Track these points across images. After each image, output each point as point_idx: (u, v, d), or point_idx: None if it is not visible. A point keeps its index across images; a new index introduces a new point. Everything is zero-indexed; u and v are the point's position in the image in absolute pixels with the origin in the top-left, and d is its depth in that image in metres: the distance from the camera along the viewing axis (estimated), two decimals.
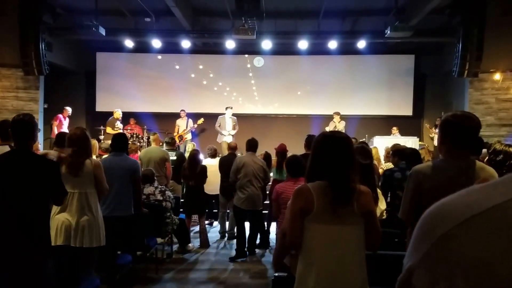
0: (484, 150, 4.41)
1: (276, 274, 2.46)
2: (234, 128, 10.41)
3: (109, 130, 10.00)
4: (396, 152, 4.87)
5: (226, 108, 10.54)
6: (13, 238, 2.56)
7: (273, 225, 6.44)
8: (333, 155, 1.97)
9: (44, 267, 2.64)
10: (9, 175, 2.59)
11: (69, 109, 10.38)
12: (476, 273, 0.34)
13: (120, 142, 4.36)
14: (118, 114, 10.29)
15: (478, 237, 0.35)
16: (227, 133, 10.30)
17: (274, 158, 6.50)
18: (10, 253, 2.55)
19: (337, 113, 10.50)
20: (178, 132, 10.83)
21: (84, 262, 3.33)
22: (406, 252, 0.43)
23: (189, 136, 10.99)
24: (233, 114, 10.62)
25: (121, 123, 10.30)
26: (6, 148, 3.57)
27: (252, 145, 5.84)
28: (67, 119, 10.39)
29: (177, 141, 10.20)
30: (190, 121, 10.98)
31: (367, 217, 1.95)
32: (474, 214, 0.36)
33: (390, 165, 5.56)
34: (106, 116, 11.68)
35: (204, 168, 6.26)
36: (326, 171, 1.96)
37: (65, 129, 9.85)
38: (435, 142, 10.11)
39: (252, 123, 11.68)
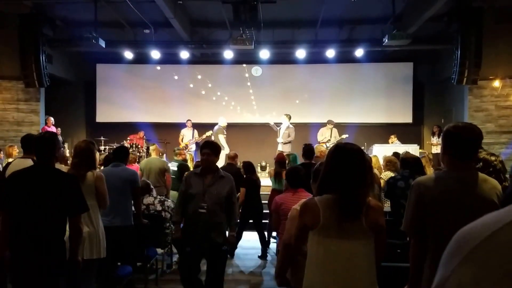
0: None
1: None
2: (285, 137, 9.65)
3: (217, 137, 10.14)
4: (400, 161, 4.85)
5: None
6: (29, 253, 2.58)
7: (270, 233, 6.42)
8: (343, 167, 1.93)
9: (57, 283, 2.65)
10: (29, 189, 2.64)
11: (51, 118, 10.30)
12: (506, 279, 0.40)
13: (120, 153, 4.38)
14: (224, 123, 10.36)
15: (501, 248, 0.42)
16: (280, 141, 9.83)
17: (272, 167, 6.47)
18: (26, 267, 2.57)
19: (331, 122, 10.46)
20: (182, 141, 10.85)
21: (84, 274, 3.31)
22: (437, 271, 0.50)
23: (193, 147, 10.98)
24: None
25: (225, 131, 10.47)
26: (29, 161, 3.58)
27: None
28: (53, 128, 10.30)
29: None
30: (196, 131, 11.00)
31: (376, 232, 1.92)
32: (495, 230, 0.43)
33: (389, 173, 5.54)
34: (106, 127, 11.75)
35: None
36: (336, 184, 1.93)
37: None
38: (433, 150, 10.11)
39: (251, 132, 11.71)
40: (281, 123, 9.93)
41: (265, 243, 6.15)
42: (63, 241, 2.73)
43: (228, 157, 6.70)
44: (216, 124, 10.33)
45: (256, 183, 6.17)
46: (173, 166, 6.70)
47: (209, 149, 3.77)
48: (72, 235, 2.74)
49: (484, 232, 0.43)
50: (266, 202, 6.87)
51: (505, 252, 0.41)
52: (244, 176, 6.19)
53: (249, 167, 6.22)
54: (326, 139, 10.17)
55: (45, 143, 2.77)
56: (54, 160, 2.83)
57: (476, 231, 0.45)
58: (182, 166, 6.71)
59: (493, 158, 3.99)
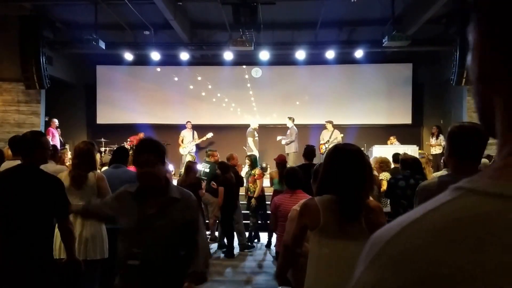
0: (485, 160, 4.39)
1: None
2: (288, 137, 10.06)
3: (250, 140, 10.21)
4: (400, 162, 4.86)
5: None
6: (15, 254, 2.57)
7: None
8: (342, 168, 1.92)
9: (48, 283, 2.65)
10: (13, 190, 2.62)
11: (56, 121, 10.34)
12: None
13: (120, 155, 4.39)
14: (255, 125, 10.44)
15: (395, 254, 0.41)
16: (283, 142, 10.18)
17: (274, 169, 6.52)
18: (14, 269, 2.56)
19: (330, 122, 10.52)
20: (182, 143, 10.90)
21: (88, 275, 3.33)
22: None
23: (194, 148, 11.01)
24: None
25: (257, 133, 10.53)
26: (17, 162, 3.59)
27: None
28: (58, 130, 10.36)
29: (182, 151, 10.30)
30: (195, 133, 11.04)
31: None
32: (394, 234, 0.42)
33: (387, 174, 5.56)
34: (107, 129, 11.77)
35: (197, 179, 6.26)
36: (335, 185, 1.93)
37: (57, 140, 9.89)
38: (432, 151, 10.11)
39: None
40: (284, 124, 10.24)
41: (231, 242, 6.28)
42: (51, 242, 2.73)
43: (226, 159, 6.79)
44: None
45: (231, 181, 6.26)
46: (204, 168, 6.67)
47: (148, 152, 2.14)
48: (63, 237, 2.73)
49: (386, 236, 0.43)
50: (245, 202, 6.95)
51: (398, 259, 0.40)
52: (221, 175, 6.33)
53: (223, 166, 6.33)
54: (324, 141, 10.23)
55: (27, 143, 2.73)
56: (38, 160, 2.77)
57: (383, 234, 0.44)
58: (218, 166, 6.50)
59: None
